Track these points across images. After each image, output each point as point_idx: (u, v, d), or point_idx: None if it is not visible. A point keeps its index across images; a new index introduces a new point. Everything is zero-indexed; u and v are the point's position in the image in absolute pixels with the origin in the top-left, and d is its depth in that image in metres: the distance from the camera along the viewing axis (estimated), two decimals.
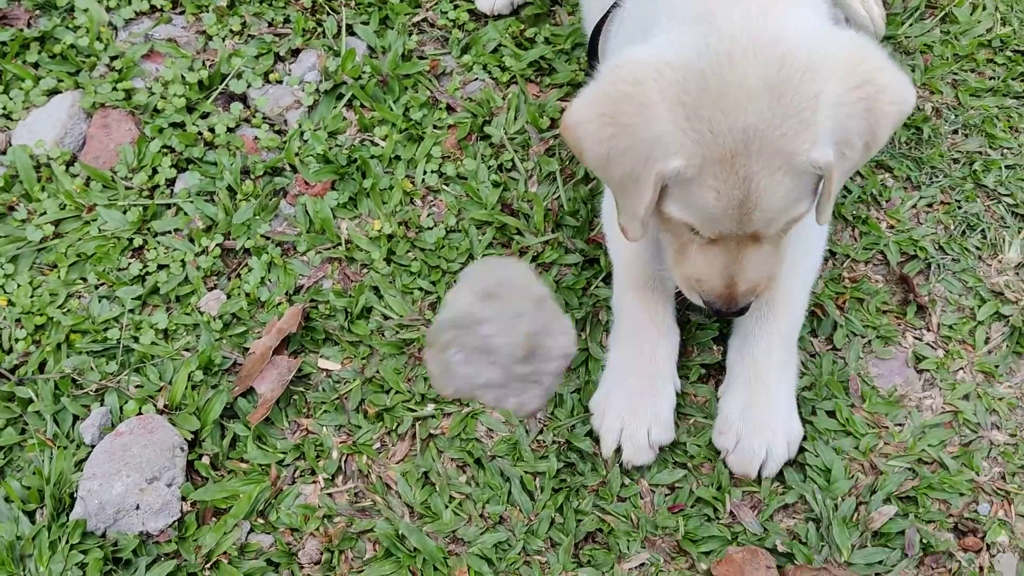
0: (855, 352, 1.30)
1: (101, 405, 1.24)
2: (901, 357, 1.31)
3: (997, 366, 1.28)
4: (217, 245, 1.36)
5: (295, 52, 1.56)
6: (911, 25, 1.62)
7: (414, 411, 1.25)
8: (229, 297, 1.33)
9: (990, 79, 1.56)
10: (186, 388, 1.24)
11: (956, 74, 1.57)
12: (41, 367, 1.27)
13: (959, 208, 1.43)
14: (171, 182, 1.42)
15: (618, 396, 1.19)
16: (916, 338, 1.32)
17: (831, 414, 1.25)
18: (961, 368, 1.30)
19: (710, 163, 0.94)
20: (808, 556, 1.14)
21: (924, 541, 1.15)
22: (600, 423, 1.19)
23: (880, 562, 1.15)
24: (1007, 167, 1.46)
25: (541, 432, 1.23)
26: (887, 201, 1.44)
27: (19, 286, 1.33)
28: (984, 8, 1.64)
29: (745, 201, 0.96)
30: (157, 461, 1.17)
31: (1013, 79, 1.56)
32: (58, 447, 1.21)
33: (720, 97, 0.91)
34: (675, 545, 1.17)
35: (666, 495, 1.20)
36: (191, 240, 1.37)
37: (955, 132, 1.51)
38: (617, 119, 0.95)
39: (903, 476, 1.20)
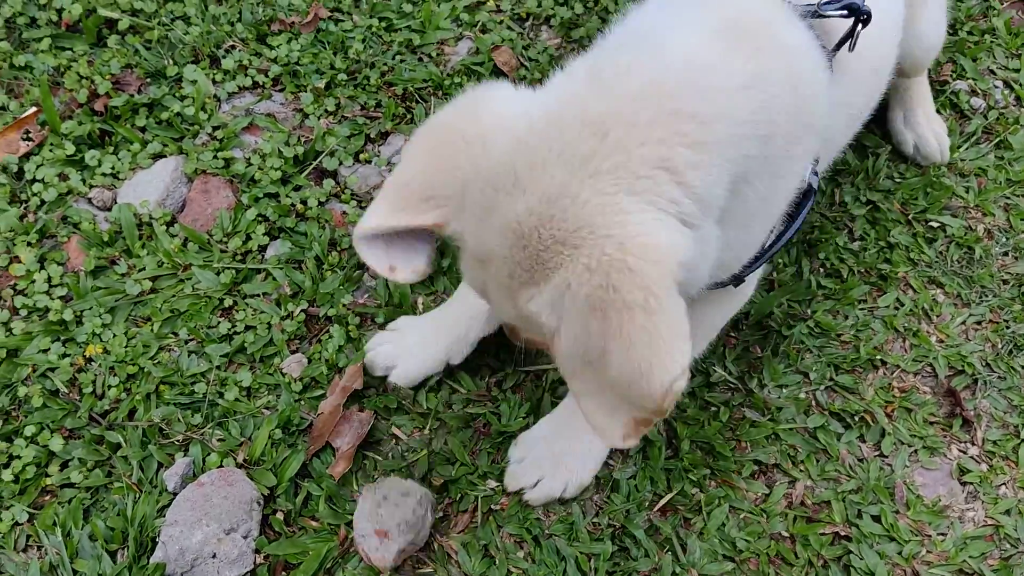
0: (902, 460, 1.35)
1: (185, 455, 1.31)
2: (946, 468, 1.36)
3: None
4: (302, 311, 1.45)
5: (384, 135, 1.67)
6: (967, 149, 1.70)
7: (475, 485, 1.31)
8: (310, 361, 1.41)
9: None
10: (265, 445, 1.31)
11: (1008, 198, 1.65)
12: (131, 414, 1.35)
13: (1007, 328, 1.49)
14: (263, 248, 1.51)
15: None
16: (961, 451, 1.37)
17: (876, 519, 1.30)
18: (1004, 483, 1.34)
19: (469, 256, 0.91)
20: None
21: None
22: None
23: None
24: None
25: (597, 515, 1.29)
26: (937, 316, 1.50)
27: (115, 336, 1.42)
28: None
29: (483, 289, 0.93)
30: (235, 513, 1.24)
31: None
32: (143, 492, 1.28)
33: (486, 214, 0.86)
34: None
35: None
36: (278, 304, 1.46)
37: (1005, 254, 1.58)
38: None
39: None
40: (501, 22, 1.82)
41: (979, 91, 1.79)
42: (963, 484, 1.35)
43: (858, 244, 1.58)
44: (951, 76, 1.81)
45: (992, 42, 1.87)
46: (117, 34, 1.75)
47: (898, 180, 1.65)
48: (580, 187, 0.81)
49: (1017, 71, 1.83)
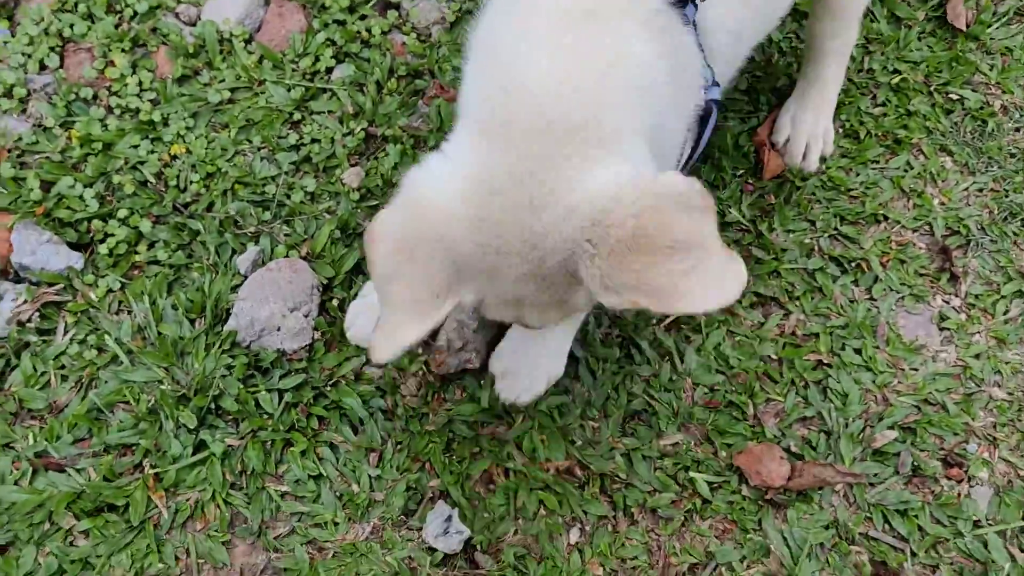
0: (888, 304, 1.51)
1: (255, 245, 1.50)
2: (928, 315, 1.51)
3: (1009, 335, 1.48)
4: (362, 129, 1.60)
5: None
6: (997, 28, 1.77)
7: None
8: (367, 175, 1.58)
9: None
10: (326, 242, 1.50)
11: None
12: (209, 207, 1.54)
13: (1006, 196, 1.61)
14: (329, 70, 1.66)
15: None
16: (944, 301, 1.52)
17: (857, 351, 1.47)
18: (978, 332, 1.50)
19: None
20: (815, 458, 1.38)
21: (915, 464, 1.38)
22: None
23: (875, 474, 1.38)
24: None
25: (609, 327, 1.47)
26: (943, 181, 1.62)
27: (196, 138, 1.59)
28: None
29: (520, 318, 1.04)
30: (298, 295, 1.43)
31: None
32: (218, 273, 1.48)
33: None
34: (705, 433, 1.41)
35: (705, 393, 1.44)
36: (341, 121, 1.61)
37: (1017, 130, 1.68)
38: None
39: (908, 410, 1.42)
40: None
41: None
42: (941, 329, 1.50)
43: (879, 109, 1.69)
44: None
45: None
46: None
47: (926, 52, 1.74)
48: (546, 222, 0.91)
49: None
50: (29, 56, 1.65)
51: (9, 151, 1.57)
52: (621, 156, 0.93)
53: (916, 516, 1.35)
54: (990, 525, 1.35)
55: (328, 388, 1.40)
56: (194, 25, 1.70)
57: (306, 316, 1.43)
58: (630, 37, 0.96)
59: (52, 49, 1.65)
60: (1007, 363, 1.47)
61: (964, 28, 1.77)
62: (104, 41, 1.66)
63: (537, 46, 0.94)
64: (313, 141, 1.60)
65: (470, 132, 0.96)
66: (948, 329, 1.50)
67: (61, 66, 1.65)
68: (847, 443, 1.38)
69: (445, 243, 0.94)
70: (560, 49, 0.93)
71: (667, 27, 0.99)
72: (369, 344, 1.07)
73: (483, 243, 0.93)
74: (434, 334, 1.40)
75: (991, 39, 1.77)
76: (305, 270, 1.46)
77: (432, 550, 1.29)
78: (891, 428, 1.40)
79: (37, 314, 1.44)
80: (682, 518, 1.35)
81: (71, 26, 1.67)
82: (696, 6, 1.03)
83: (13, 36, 1.67)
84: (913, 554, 1.33)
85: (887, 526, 1.35)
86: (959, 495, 1.37)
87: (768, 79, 1.70)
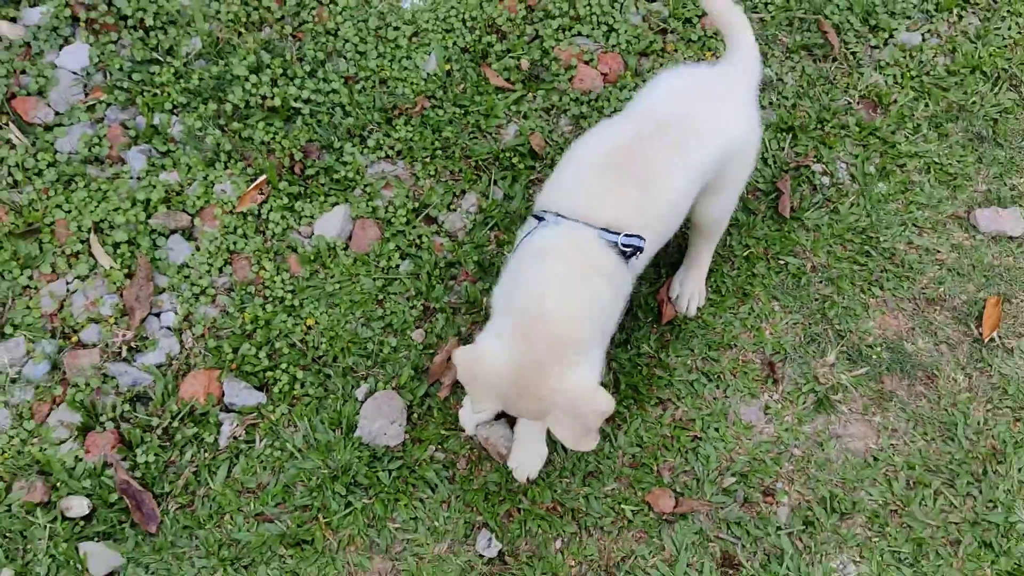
0: (735, 400, 2.57)
1: (365, 383, 2.55)
2: (758, 406, 2.58)
3: (805, 417, 2.56)
4: (422, 304, 2.65)
5: (463, 192, 2.83)
6: (812, 212, 2.85)
7: None
8: (426, 334, 2.63)
9: (849, 251, 2.80)
10: (407, 379, 2.55)
11: (831, 246, 2.81)
12: (334, 359, 2.59)
13: (809, 328, 2.69)
14: (398, 266, 2.71)
15: None
16: (769, 396, 2.60)
17: (716, 430, 2.54)
18: (788, 415, 2.58)
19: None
20: (690, 495, 2.45)
21: (746, 496, 2.45)
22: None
23: (722, 502, 2.45)
24: (842, 307, 2.71)
25: None
26: (772, 319, 2.70)
27: (321, 314, 2.63)
28: (855, 206, 2.86)
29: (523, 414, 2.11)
30: (394, 413, 2.48)
31: (859, 254, 2.79)
32: (346, 401, 2.53)
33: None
34: (629, 483, 2.48)
35: (629, 458, 2.50)
36: (407, 300, 2.66)
37: (820, 282, 2.76)
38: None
39: (743, 464, 2.50)
40: (535, 110, 2.95)
41: (828, 172, 2.92)
42: (766, 414, 2.58)
43: (734, 272, 2.76)
44: (812, 160, 2.94)
45: (845, 135, 2.99)
46: (301, 116, 2.89)
47: (766, 231, 2.81)
48: (544, 392, 1.93)
49: (856, 157, 2.95)
50: (211, 265, 2.69)
51: (208, 330, 2.61)
52: (588, 363, 1.99)
53: (746, 526, 2.43)
54: (785, 529, 2.43)
55: (416, 467, 2.46)
56: (310, 238, 2.75)
57: (400, 426, 2.48)
58: (601, 285, 2.03)
59: (224, 261, 2.69)
60: (803, 433, 2.55)
61: (788, 215, 2.84)
62: (257, 253, 2.70)
63: (554, 287, 1.99)
64: (391, 313, 2.65)
65: (510, 325, 1.96)
66: (770, 414, 2.58)
67: (232, 271, 2.69)
68: (708, 485, 2.46)
69: (493, 381, 1.97)
70: (564, 290, 1.99)
71: (617, 271, 2.07)
72: (462, 422, 2.25)
73: (512, 386, 1.96)
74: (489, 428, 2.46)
75: (807, 220, 2.84)
76: (396, 397, 2.52)
77: (480, 556, 2.36)
78: (733, 475, 2.48)
79: (244, 432, 2.49)
80: (617, 531, 2.42)
81: (234, 243, 2.71)
82: (637, 258, 2.10)
83: (198, 250, 2.71)
84: (743, 547, 2.40)
85: (730, 532, 2.43)
86: (770, 513, 2.45)
87: (666, 258, 2.76)
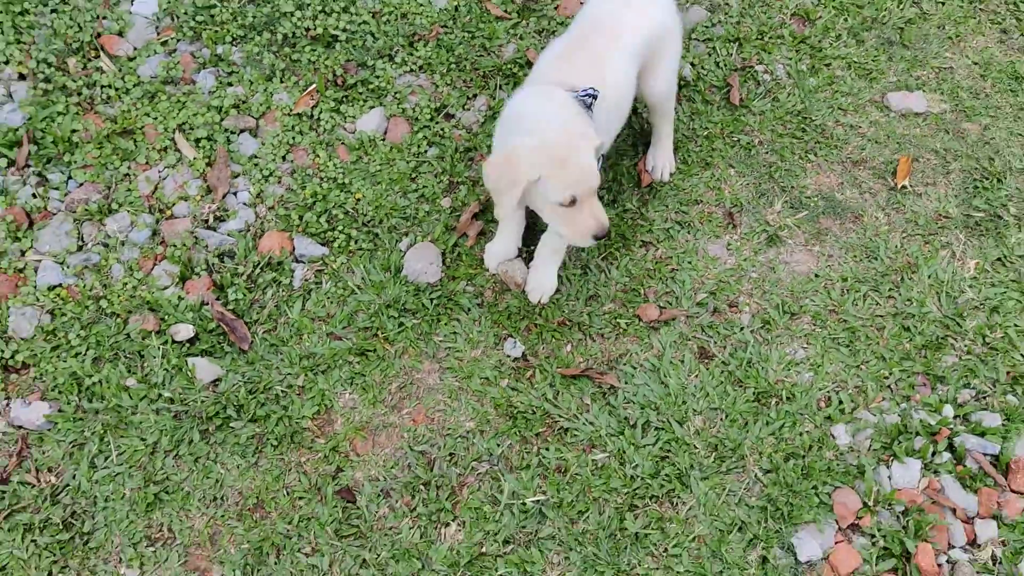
0: (703, 241, 3.22)
1: (407, 237, 3.18)
2: (722, 244, 3.23)
3: (759, 250, 3.21)
4: (448, 179, 3.29)
5: (474, 96, 3.48)
6: (757, 101, 3.52)
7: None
8: (452, 201, 3.26)
9: (788, 129, 3.47)
10: (440, 234, 3.17)
11: (773, 127, 3.48)
12: (380, 222, 3.21)
13: (759, 187, 3.35)
14: (426, 151, 3.35)
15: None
16: (729, 238, 3.24)
17: (690, 263, 3.18)
18: (746, 250, 3.22)
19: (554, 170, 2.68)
20: (672, 306, 3.08)
21: (715, 307, 3.09)
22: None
23: (697, 312, 3.08)
24: (785, 170, 3.38)
25: (576, 264, 3.16)
26: (728, 181, 3.35)
27: (367, 190, 3.27)
28: (791, 95, 3.54)
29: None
30: (431, 258, 3.10)
31: (796, 131, 3.47)
32: (392, 251, 3.15)
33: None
34: (622, 304, 3.11)
35: (620, 288, 3.13)
36: (435, 176, 3.29)
37: (766, 152, 3.43)
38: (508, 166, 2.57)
39: (713, 285, 3.14)
40: (530, 32, 3.62)
41: (769, 71, 3.61)
42: (728, 250, 3.22)
43: (697, 148, 3.41)
44: (756, 62, 3.63)
45: (781, 43, 3.68)
46: (340, 42, 3.54)
47: (722, 116, 3.48)
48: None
49: (791, 59, 3.64)
50: (276, 154, 3.31)
51: (277, 203, 3.22)
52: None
53: (716, 328, 3.05)
54: (748, 328, 3.06)
55: (452, 296, 3.07)
56: (354, 132, 3.38)
57: (437, 267, 3.10)
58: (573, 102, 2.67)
59: (286, 151, 3.32)
60: (758, 262, 3.19)
61: (738, 103, 3.52)
62: (312, 144, 3.33)
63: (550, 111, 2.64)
64: (424, 186, 3.28)
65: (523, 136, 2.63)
66: (731, 249, 3.22)
67: (293, 158, 3.32)
68: (685, 300, 3.09)
69: (532, 164, 2.55)
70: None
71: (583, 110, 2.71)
72: (487, 262, 2.79)
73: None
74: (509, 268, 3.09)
75: (754, 107, 3.52)
76: (432, 246, 3.13)
77: (508, 356, 2.96)
78: (704, 293, 3.11)
79: (312, 275, 3.10)
80: (615, 337, 3.03)
81: (292, 138, 3.34)
82: (591, 109, 2.74)
83: (263, 144, 3.34)
84: (715, 343, 3.03)
85: (704, 333, 3.05)
86: (735, 318, 3.08)
87: (642, 136, 3.42)
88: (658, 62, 3.00)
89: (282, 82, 3.44)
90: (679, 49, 3.05)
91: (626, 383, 2.89)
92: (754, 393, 2.87)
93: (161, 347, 2.90)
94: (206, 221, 3.16)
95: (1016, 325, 2.98)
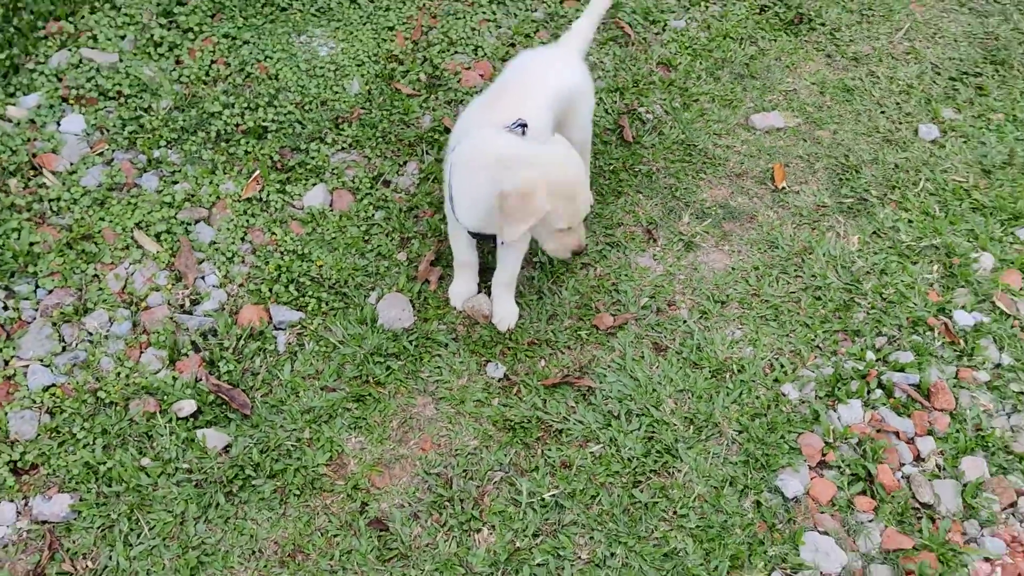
0: (633, 255, 3.66)
1: (375, 291, 3.45)
2: (648, 256, 3.69)
3: (679, 257, 3.69)
4: (400, 236, 3.60)
5: (404, 163, 3.84)
6: (645, 137, 4.06)
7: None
8: (408, 253, 3.57)
9: (677, 156, 4.01)
10: (403, 285, 3.47)
11: (664, 156, 4.01)
12: (346, 282, 3.47)
13: (666, 205, 3.85)
14: (373, 215, 3.65)
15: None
16: (653, 249, 3.70)
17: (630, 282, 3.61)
18: (669, 257, 3.69)
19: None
20: (622, 312, 3.49)
21: (658, 308, 3.52)
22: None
23: (643, 314, 3.50)
24: (684, 189, 3.90)
25: (532, 285, 3.52)
26: (640, 204, 3.84)
27: (326, 256, 3.52)
28: (673, 128, 4.11)
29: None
30: (403, 306, 3.39)
31: (684, 156, 4.02)
32: (363, 308, 3.41)
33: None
34: (579, 316, 3.48)
35: (575, 302, 3.51)
36: (387, 236, 3.60)
37: (665, 177, 3.95)
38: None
39: (660, 280, 3.58)
40: (441, 104, 4.03)
41: (649, 111, 4.17)
42: (655, 260, 3.67)
43: (608, 180, 3.89)
44: (637, 105, 4.18)
45: (654, 88, 4.27)
46: (271, 132, 3.83)
47: (621, 153, 3.99)
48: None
49: (665, 100, 4.22)
50: (235, 237, 3.52)
51: (245, 280, 3.43)
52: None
53: (663, 324, 3.47)
54: (689, 319, 3.50)
55: (429, 335, 3.35)
56: (302, 208, 3.64)
57: (409, 312, 3.38)
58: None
59: (244, 233, 3.54)
60: (682, 266, 3.66)
61: (631, 140, 4.04)
62: (266, 223, 3.57)
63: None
64: (379, 245, 3.57)
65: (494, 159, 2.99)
66: (657, 259, 3.68)
67: (251, 239, 3.54)
68: (631, 306, 3.50)
69: (554, 191, 2.89)
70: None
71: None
72: (452, 301, 3.17)
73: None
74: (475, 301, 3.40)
75: (645, 142, 4.05)
76: (400, 296, 3.42)
77: (492, 378, 3.26)
78: (646, 298, 3.53)
79: (295, 339, 3.30)
80: (579, 347, 3.39)
81: (247, 220, 3.57)
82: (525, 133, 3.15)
83: (219, 230, 3.54)
84: (666, 337, 3.44)
85: (654, 330, 3.46)
86: (676, 313, 3.51)
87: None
88: (575, 116, 3.45)
89: (225, 173, 3.68)
90: (592, 103, 3.52)
91: (601, 383, 3.25)
92: (710, 372, 3.29)
93: (167, 425, 3.02)
94: (182, 306, 3.31)
95: (903, 281, 3.57)
